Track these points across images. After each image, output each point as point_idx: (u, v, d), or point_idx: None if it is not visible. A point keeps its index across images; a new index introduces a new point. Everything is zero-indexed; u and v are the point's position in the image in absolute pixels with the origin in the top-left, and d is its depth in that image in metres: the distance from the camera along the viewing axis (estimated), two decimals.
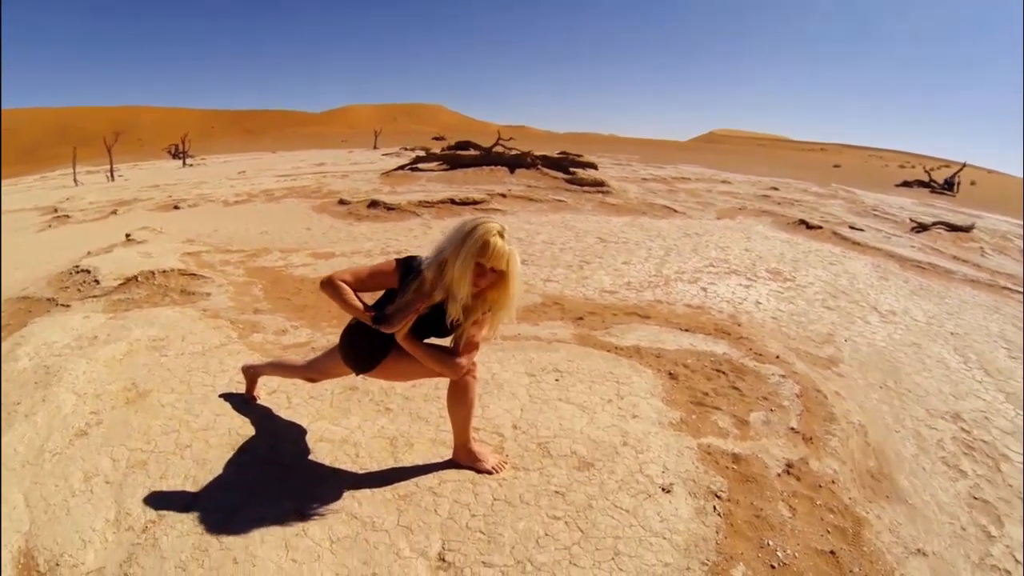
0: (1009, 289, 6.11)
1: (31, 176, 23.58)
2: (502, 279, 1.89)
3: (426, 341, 2.04)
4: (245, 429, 2.47)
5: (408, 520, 1.95)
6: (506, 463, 2.24)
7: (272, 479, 2.16)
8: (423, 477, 2.16)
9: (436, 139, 36.51)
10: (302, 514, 1.97)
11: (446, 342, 2.07)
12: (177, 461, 2.25)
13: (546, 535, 1.87)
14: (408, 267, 1.97)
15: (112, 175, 17.94)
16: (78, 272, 4.88)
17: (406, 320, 1.91)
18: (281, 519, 1.95)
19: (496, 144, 14.47)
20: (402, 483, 2.13)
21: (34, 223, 9.49)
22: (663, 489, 2.08)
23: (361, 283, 1.99)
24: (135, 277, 4.64)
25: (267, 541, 1.84)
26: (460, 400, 2.11)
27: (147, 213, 9.50)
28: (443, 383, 2.69)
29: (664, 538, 1.87)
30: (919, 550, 2.09)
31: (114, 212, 9.85)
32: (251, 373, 2.69)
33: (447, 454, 2.27)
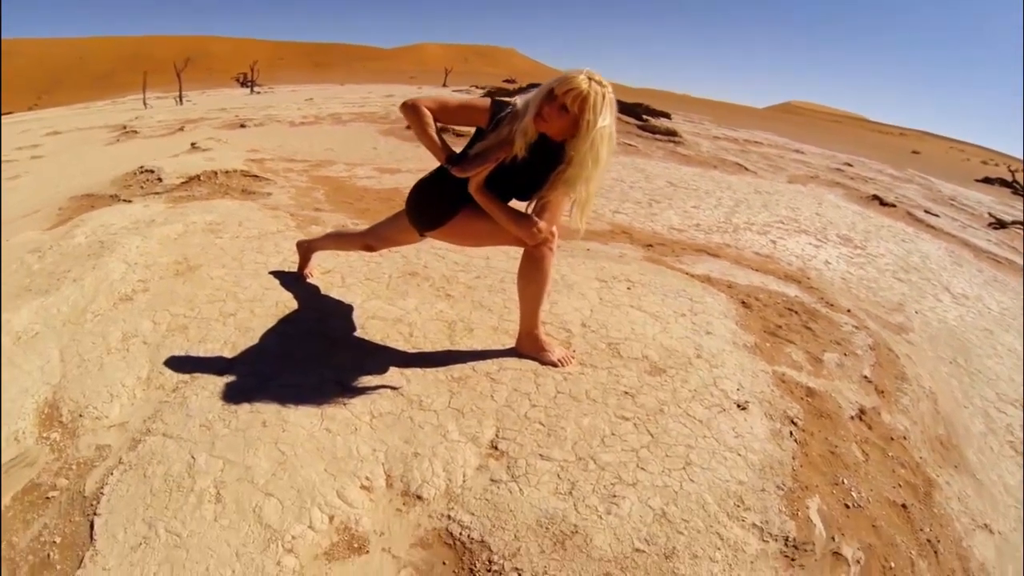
0: None
1: (103, 100, 24.39)
2: (576, 127, 1.71)
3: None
4: (293, 303, 2.44)
5: (460, 403, 1.86)
6: (573, 358, 2.12)
7: (316, 350, 2.12)
8: (481, 362, 2.07)
9: (507, 81, 35.79)
10: (343, 385, 1.92)
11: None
12: (219, 328, 2.23)
13: (612, 435, 1.77)
14: (501, 108, 1.81)
15: (181, 99, 18.37)
16: (142, 172, 4.98)
17: (483, 166, 1.75)
18: (320, 389, 1.90)
19: None
20: (457, 366, 2.05)
21: (103, 139, 9.78)
22: (738, 405, 1.97)
23: (446, 113, 1.84)
24: (197, 176, 4.71)
25: (301, 408, 1.79)
26: (533, 276, 1.95)
27: (213, 130, 9.63)
28: (510, 276, 2.61)
29: (739, 454, 1.76)
30: (986, 525, 1.94)
31: (181, 129, 10.06)
32: (305, 248, 2.64)
33: (509, 343, 2.19)
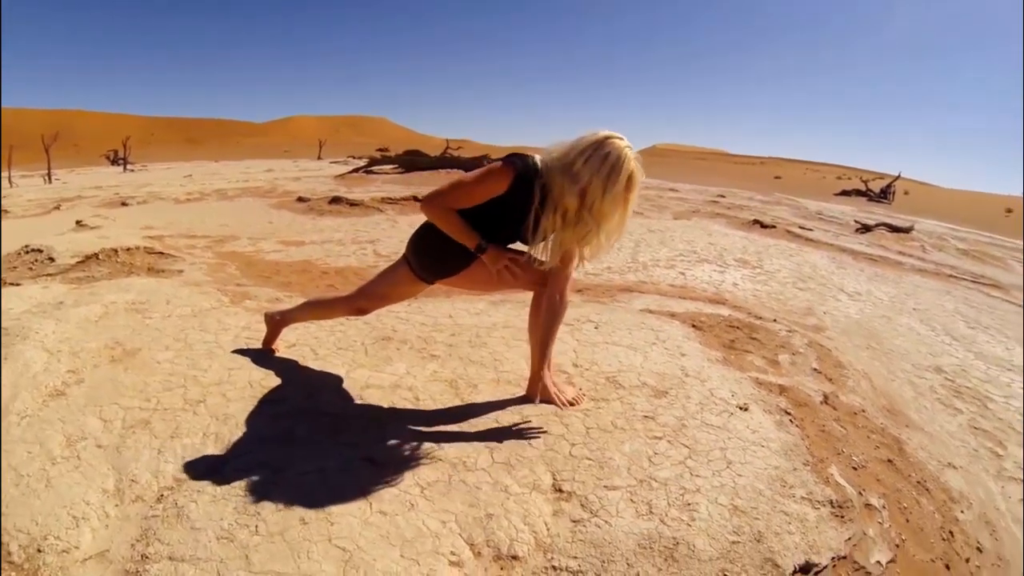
0: (955, 277, 6.54)
1: None
2: None
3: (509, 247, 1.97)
4: (269, 381, 2.20)
5: (504, 456, 1.80)
6: (584, 395, 2.15)
7: (322, 429, 1.93)
8: (501, 413, 2.03)
9: (380, 150, 35.98)
10: (374, 462, 1.75)
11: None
12: (190, 418, 1.93)
13: (656, 454, 1.84)
14: (522, 172, 1.80)
15: (50, 178, 16.75)
16: (28, 252, 4.45)
17: (513, 259, 1.91)
18: (350, 469, 1.71)
19: (445, 152, 14.80)
20: (480, 420, 1.99)
21: None
22: (740, 408, 2.15)
23: (470, 199, 1.84)
24: (95, 255, 4.27)
25: (339, 495, 1.60)
26: (551, 317, 1.99)
27: (94, 209, 8.85)
28: (484, 330, 2.71)
29: (763, 446, 1.93)
30: (950, 464, 2.34)
31: (57, 207, 9.15)
32: (275, 321, 2.41)
33: (516, 392, 2.17)
